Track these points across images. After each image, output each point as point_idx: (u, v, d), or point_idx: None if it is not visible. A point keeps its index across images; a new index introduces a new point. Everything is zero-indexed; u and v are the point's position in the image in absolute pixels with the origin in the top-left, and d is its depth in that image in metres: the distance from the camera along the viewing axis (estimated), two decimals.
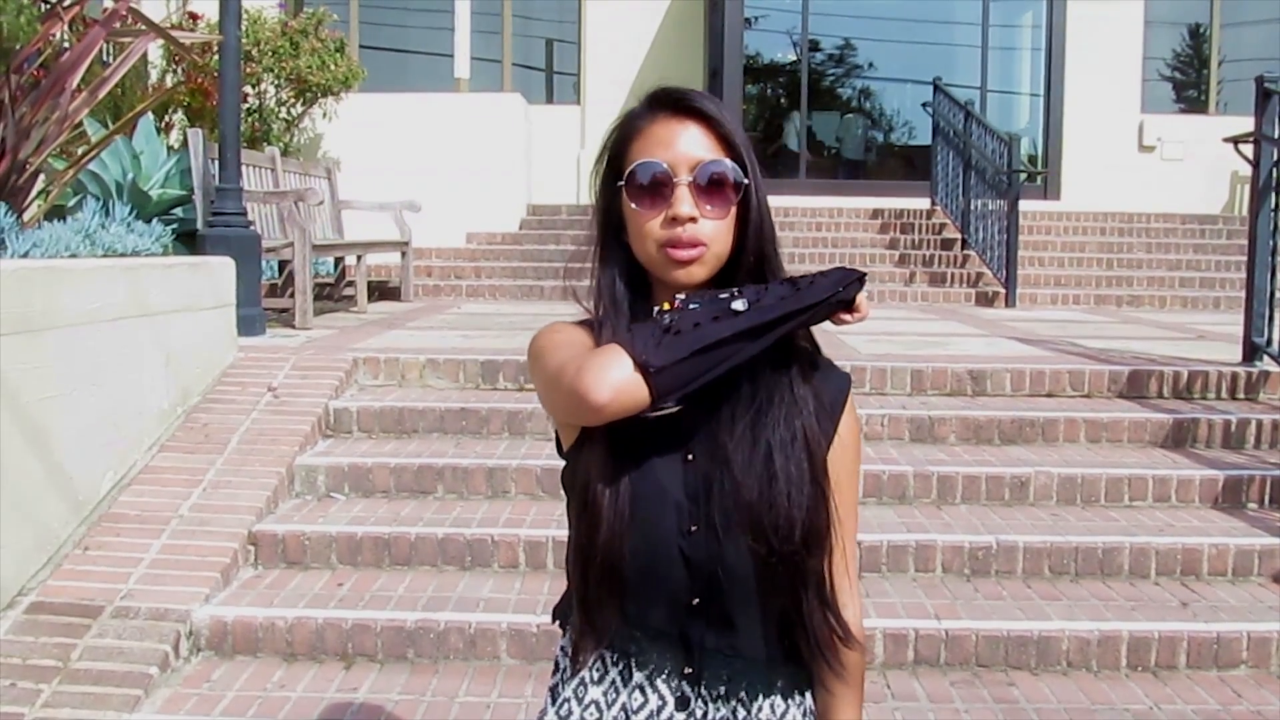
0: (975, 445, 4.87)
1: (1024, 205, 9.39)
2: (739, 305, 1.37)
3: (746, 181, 1.44)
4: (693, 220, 1.41)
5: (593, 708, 1.49)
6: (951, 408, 5.08)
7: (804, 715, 1.51)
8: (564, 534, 1.50)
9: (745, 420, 1.43)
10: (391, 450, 4.69)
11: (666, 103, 1.46)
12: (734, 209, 1.44)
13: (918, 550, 4.02)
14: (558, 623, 1.58)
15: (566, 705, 1.52)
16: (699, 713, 1.46)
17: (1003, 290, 9.12)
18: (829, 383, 1.50)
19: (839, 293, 1.42)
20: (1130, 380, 5.35)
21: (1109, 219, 11.07)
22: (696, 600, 1.42)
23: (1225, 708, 3.33)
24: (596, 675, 1.50)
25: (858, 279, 1.43)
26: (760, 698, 1.47)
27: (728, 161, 1.43)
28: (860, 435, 1.56)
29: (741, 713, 1.46)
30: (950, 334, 7.01)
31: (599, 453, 1.43)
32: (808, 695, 1.52)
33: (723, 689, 1.45)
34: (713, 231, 1.43)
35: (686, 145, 1.43)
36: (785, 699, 1.49)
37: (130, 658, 3.41)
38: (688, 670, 1.45)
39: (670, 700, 1.46)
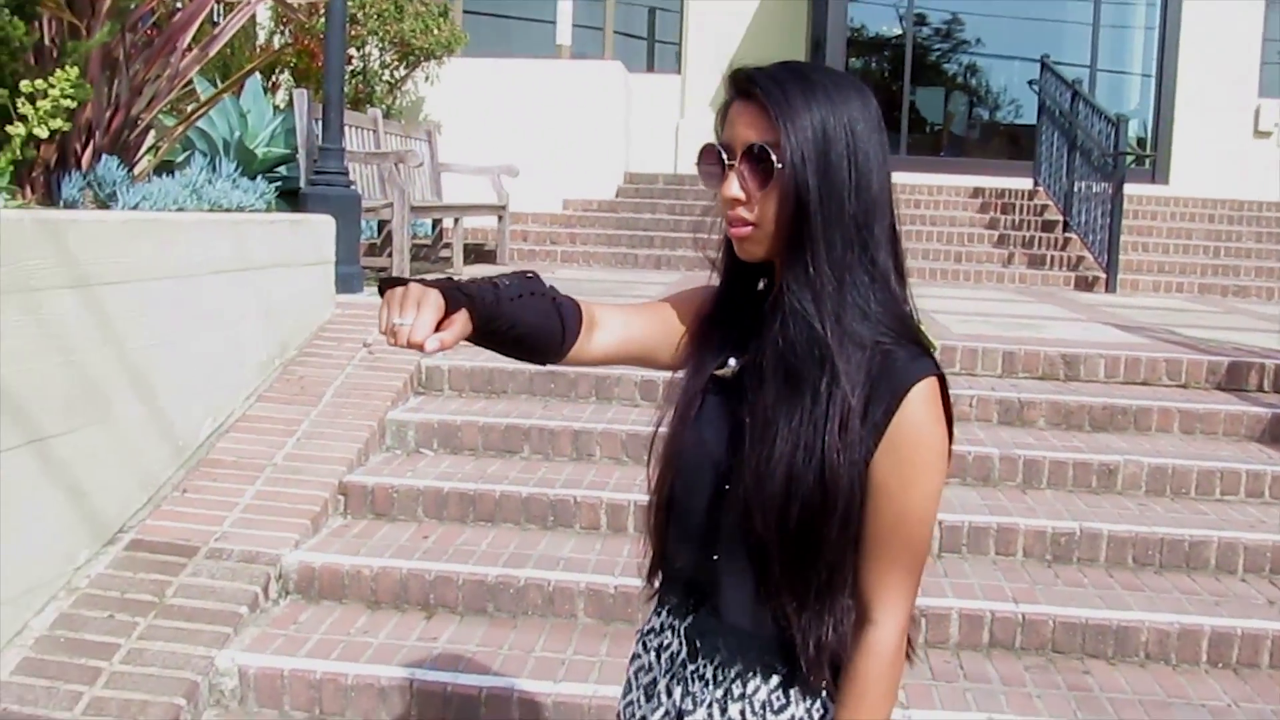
0: (1064, 430, 4.80)
1: (1130, 189, 9.17)
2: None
3: (779, 165, 1.37)
4: (738, 201, 1.42)
5: (650, 637, 1.64)
6: (1042, 391, 5.00)
7: (808, 714, 1.46)
8: (645, 498, 1.58)
9: (769, 405, 1.41)
10: (480, 409, 4.78)
11: (732, 83, 1.45)
12: (778, 189, 1.39)
13: (999, 533, 3.99)
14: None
15: (640, 638, 1.68)
16: (701, 672, 1.52)
17: (1103, 275, 8.92)
18: (888, 380, 1.38)
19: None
20: (1229, 372, 5.22)
21: (1218, 206, 10.72)
22: (716, 557, 1.48)
23: None
24: (655, 613, 1.63)
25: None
26: (757, 679, 1.47)
27: (765, 145, 1.38)
28: (930, 434, 1.41)
29: (737, 689, 1.47)
30: (1046, 317, 6.90)
31: (673, 406, 1.54)
32: (822, 696, 1.46)
33: (715, 655, 1.50)
34: (759, 212, 1.41)
35: (742, 127, 1.41)
36: (786, 691, 1.46)
37: (222, 597, 3.55)
38: (690, 619, 1.54)
39: (684, 649, 1.55)
